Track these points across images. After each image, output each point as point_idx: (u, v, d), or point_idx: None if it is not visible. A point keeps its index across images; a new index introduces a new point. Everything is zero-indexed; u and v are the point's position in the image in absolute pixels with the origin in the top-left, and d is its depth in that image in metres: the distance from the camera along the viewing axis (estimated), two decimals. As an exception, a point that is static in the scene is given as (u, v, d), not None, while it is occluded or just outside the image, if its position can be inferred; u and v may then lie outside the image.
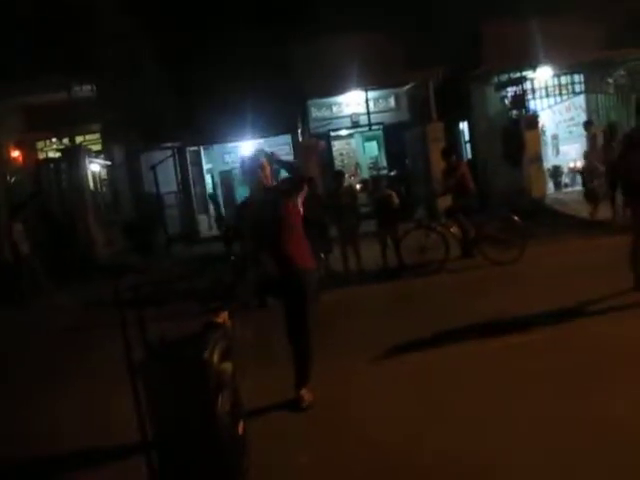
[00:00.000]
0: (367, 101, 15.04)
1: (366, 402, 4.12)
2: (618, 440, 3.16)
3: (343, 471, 3.27)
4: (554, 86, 15.01)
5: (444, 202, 9.20)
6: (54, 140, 15.85)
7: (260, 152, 4.34)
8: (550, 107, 15.39)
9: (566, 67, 14.52)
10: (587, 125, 12.28)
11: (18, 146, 14.71)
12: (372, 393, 4.27)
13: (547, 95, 14.98)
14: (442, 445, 3.35)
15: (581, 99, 15.38)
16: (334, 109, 15.96)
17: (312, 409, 4.03)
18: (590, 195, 10.57)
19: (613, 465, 2.95)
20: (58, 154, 14.63)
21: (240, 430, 3.23)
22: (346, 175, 11.52)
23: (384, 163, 16.67)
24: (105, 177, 15.33)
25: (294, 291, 4.04)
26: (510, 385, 4.06)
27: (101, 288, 9.14)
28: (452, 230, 8.45)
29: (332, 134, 16.02)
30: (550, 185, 14.71)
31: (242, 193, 14.19)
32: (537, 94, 14.81)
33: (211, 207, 16.02)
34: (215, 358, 3.00)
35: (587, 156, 11.47)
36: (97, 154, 14.91)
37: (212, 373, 2.93)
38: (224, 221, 13.35)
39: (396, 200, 8.59)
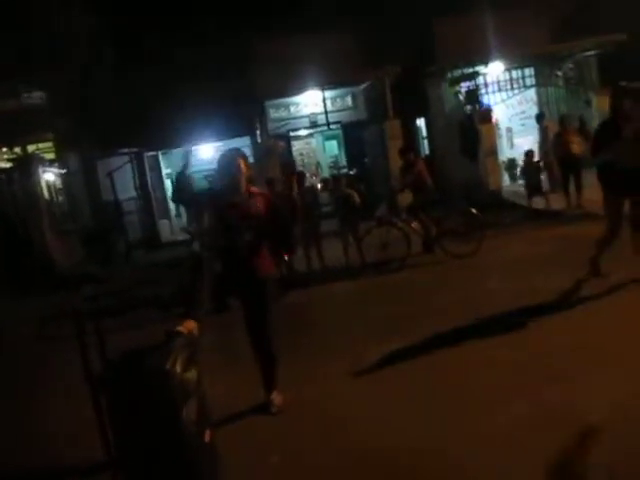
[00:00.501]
0: (324, 100, 15.07)
1: (335, 403, 4.15)
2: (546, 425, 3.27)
3: (314, 471, 3.28)
4: (506, 80, 15.37)
5: (404, 199, 9.32)
6: (5, 150, 15.36)
7: (235, 152, 4.16)
8: (503, 101, 15.73)
9: (517, 61, 14.88)
10: (539, 118, 12.62)
11: (-34, 157, 14.23)
12: (341, 393, 4.31)
13: (500, 89, 15.33)
14: (415, 443, 3.39)
15: (532, 92, 15.80)
16: (292, 109, 15.95)
17: (283, 412, 4.04)
18: (532, 189, 10.82)
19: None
20: (10, 164, 14.17)
21: (207, 438, 3.20)
22: (307, 175, 11.55)
23: (344, 162, 16.75)
24: (60, 186, 14.94)
25: (255, 297, 4.02)
26: (478, 377, 4.15)
27: (59, 299, 8.95)
28: (413, 226, 8.57)
29: (291, 134, 16.00)
30: (506, 177, 15.04)
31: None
32: (490, 89, 15.14)
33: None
34: (178, 367, 2.96)
35: (542, 147, 11.82)
36: (51, 163, 14.50)
37: (176, 383, 2.90)
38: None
39: (356, 198, 8.66)
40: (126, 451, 2.92)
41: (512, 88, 15.48)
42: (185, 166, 13.42)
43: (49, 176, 13.97)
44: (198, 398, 3.16)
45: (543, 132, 12.23)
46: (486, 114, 13.96)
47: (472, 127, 14.01)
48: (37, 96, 14.08)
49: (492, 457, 3.10)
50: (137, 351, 3.12)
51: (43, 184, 13.38)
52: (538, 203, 10.81)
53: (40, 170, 13.25)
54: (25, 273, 11.22)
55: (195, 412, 3.04)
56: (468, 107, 14.45)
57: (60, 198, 14.78)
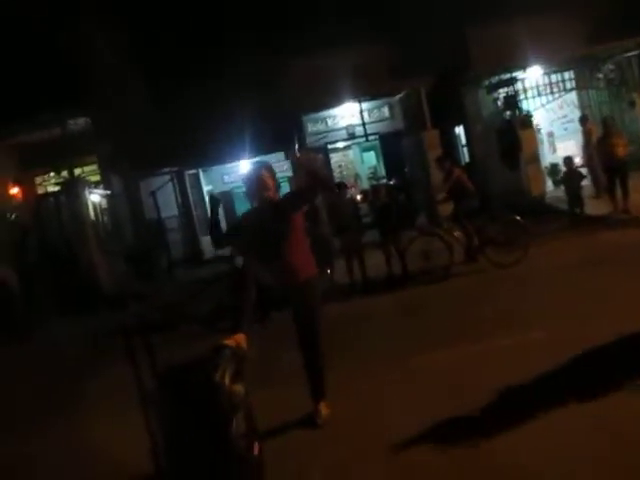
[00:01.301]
0: (361, 112, 15.10)
1: (383, 415, 4.07)
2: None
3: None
4: (545, 85, 15.07)
5: (445, 208, 9.19)
6: (52, 174, 15.92)
7: (260, 165, 4.21)
8: (543, 106, 15.42)
9: (555, 65, 14.58)
10: (582, 120, 12.31)
11: (17, 183, 14.78)
12: (389, 406, 4.22)
13: (539, 94, 15.04)
14: (469, 454, 3.29)
15: (573, 96, 15.42)
16: (329, 122, 16.02)
17: (328, 425, 3.98)
18: (573, 196, 10.49)
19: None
20: (57, 188, 14.67)
21: (256, 451, 3.18)
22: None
23: (383, 172, 16.70)
24: (105, 207, 15.36)
25: (301, 303, 4.01)
26: (526, 384, 4.00)
27: (106, 317, 9.16)
28: (455, 235, 8.42)
29: (329, 147, 16.07)
30: (549, 183, 14.69)
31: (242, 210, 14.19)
32: (529, 93, 14.87)
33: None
34: (227, 380, 2.96)
35: (585, 151, 11.49)
36: (96, 185, 14.94)
37: (224, 396, 2.89)
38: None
39: (395, 208, 8.59)
40: (176, 464, 2.92)
41: (552, 92, 15.16)
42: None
43: (94, 198, 14.38)
44: (246, 410, 3.15)
45: (586, 135, 11.90)
46: (526, 119, 13.69)
47: (512, 133, 13.75)
48: (82, 122, 14.56)
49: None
50: (186, 364, 3.13)
51: (89, 206, 13.77)
52: (582, 209, 10.49)
53: (86, 192, 13.64)
54: (72, 293, 11.52)
55: (244, 425, 3.03)
56: (507, 113, 14.21)
57: (105, 219, 15.19)
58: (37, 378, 7.09)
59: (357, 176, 16.88)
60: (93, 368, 6.99)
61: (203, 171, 17.00)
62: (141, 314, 3.06)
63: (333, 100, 14.51)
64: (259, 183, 4.01)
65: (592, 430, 3.26)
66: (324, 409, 4.05)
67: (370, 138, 15.85)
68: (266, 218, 3.98)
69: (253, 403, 3.32)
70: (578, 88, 15.24)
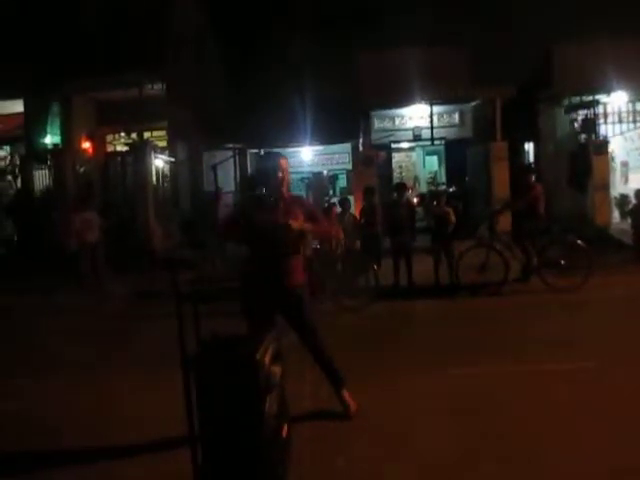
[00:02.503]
0: (431, 115, 14.89)
1: (411, 414, 4.08)
2: None
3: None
4: (628, 112, 14.48)
5: (503, 221, 8.96)
6: (123, 134, 16.43)
7: (277, 155, 4.10)
8: (622, 133, 14.81)
9: (642, 93, 13.99)
10: None
11: (89, 138, 15.34)
12: (419, 406, 4.22)
13: (620, 121, 14.47)
14: (491, 466, 3.25)
15: (656, 127, 14.75)
16: (397, 121, 15.89)
17: (357, 417, 3.99)
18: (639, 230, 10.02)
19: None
20: (126, 148, 15.14)
21: (284, 433, 3.23)
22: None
23: (443, 179, 16.46)
24: (168, 173, 15.75)
25: (288, 307, 3.95)
26: (560, 410, 3.90)
27: (156, 280, 9.42)
28: (515, 252, 8.19)
29: (393, 146, 15.95)
30: (616, 214, 14.13)
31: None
32: (609, 119, 14.32)
33: None
34: (267, 359, 3.01)
35: None
36: (162, 150, 15.33)
37: (262, 374, 2.94)
38: None
39: (453, 217, 8.46)
40: (207, 431, 2.99)
41: (634, 121, 14.55)
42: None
43: (159, 162, 14.77)
44: (280, 392, 3.20)
45: None
46: (602, 145, 13.21)
47: (584, 157, 13.29)
48: (158, 87, 14.94)
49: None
50: (230, 336, 3.19)
51: (153, 169, 14.16)
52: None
53: (152, 156, 14.03)
54: (126, 253, 11.89)
55: (276, 405, 3.08)
56: (583, 136, 13.75)
57: (166, 184, 15.59)
58: (86, 331, 7.40)
59: (416, 179, 16.69)
60: (137, 328, 7.25)
61: (264, 152, 17.17)
62: (193, 281, 3.11)
63: (404, 99, 14.36)
64: (275, 176, 3.86)
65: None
66: (351, 403, 4.03)
67: (435, 142, 15.62)
68: (272, 212, 3.83)
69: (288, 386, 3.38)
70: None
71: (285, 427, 3.23)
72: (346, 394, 4.06)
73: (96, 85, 13.93)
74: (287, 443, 3.25)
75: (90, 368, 5.59)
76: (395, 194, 8.97)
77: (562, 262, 7.88)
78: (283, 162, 3.95)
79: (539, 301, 7.40)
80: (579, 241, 7.90)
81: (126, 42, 13.30)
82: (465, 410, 4.10)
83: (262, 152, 14.02)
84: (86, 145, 15.28)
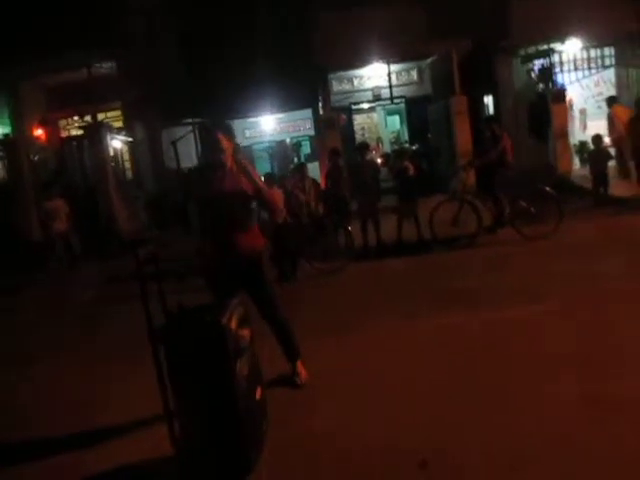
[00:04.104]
0: (389, 74, 14.75)
1: (384, 366, 4.14)
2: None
3: (357, 438, 3.25)
4: (583, 59, 14.56)
5: (470, 175, 9.00)
6: (76, 118, 15.93)
7: (216, 127, 3.85)
8: (578, 81, 14.93)
9: (596, 39, 14.05)
10: (610, 101, 11.94)
11: (41, 125, 14.83)
12: (392, 358, 4.29)
13: (575, 69, 14.54)
14: (454, 416, 3.31)
15: (611, 73, 14.90)
16: (355, 82, 15.71)
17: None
18: (598, 176, 10.19)
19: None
20: (80, 132, 14.70)
21: (258, 395, 3.22)
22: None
23: (406, 137, 16.44)
24: (127, 153, 15.39)
25: (254, 275, 3.87)
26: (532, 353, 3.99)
27: (123, 261, 9.27)
28: (487, 204, 8.25)
29: (353, 107, 15.79)
30: (576, 161, 14.35)
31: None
32: (565, 67, 14.40)
33: None
34: (233, 323, 2.99)
35: (610, 133, 11.19)
36: (119, 131, 14.95)
37: (230, 338, 2.92)
38: None
39: (412, 172, 8.48)
40: (182, 402, 2.97)
41: (589, 68, 14.65)
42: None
43: (116, 144, 14.41)
44: (250, 355, 3.19)
45: (610, 118, 11.61)
46: (559, 94, 13.30)
47: (543, 107, 13.39)
48: (108, 66, 14.46)
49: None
50: (195, 307, 3.15)
51: (111, 151, 13.81)
52: (607, 190, 10.23)
53: (108, 138, 13.66)
54: (93, 236, 11.66)
55: (247, 368, 3.07)
56: (540, 86, 13.82)
57: (126, 165, 15.24)
58: (55, 316, 7.29)
59: (379, 139, 16.64)
60: (109, 307, 7.18)
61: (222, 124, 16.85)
62: (154, 259, 3.06)
63: (361, 60, 14.17)
64: (214, 144, 3.75)
65: (589, 403, 3.25)
66: (302, 371, 4.02)
67: (396, 101, 15.52)
68: (219, 183, 3.75)
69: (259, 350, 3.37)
70: (617, 65, 14.71)
71: (259, 389, 3.22)
72: (299, 365, 4.03)
73: (43, 69, 13.42)
74: (262, 405, 3.25)
75: (61, 354, 5.53)
76: (358, 155, 8.93)
77: (533, 210, 7.95)
78: (217, 134, 3.79)
79: (512, 251, 7.46)
80: (548, 189, 7.98)
81: (70, 21, 12.77)
82: (432, 361, 4.18)
83: (201, 125, 13.72)
84: (39, 132, 14.79)
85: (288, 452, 3.17)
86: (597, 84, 15.21)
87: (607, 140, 11.55)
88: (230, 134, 3.86)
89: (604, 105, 14.34)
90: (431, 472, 2.81)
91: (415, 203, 8.48)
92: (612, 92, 14.08)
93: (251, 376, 3.07)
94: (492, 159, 8.34)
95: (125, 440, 3.58)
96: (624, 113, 11.36)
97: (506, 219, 8.18)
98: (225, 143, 3.76)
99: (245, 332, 3.11)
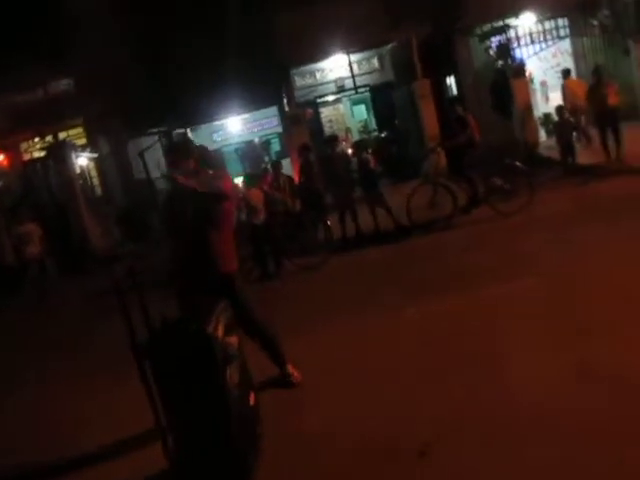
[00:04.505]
0: (350, 64, 14.72)
1: (373, 362, 4.12)
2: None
3: (354, 433, 3.23)
4: (538, 32, 14.69)
5: (440, 158, 9.04)
6: (37, 139, 15.61)
7: (181, 138, 3.92)
8: (536, 54, 15.09)
9: (549, 11, 14.21)
10: (564, 74, 12.16)
11: (2, 150, 14.49)
12: (376, 354, 4.27)
13: (532, 42, 14.67)
14: (455, 397, 3.32)
15: (567, 43, 15.10)
16: (318, 76, 15.65)
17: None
18: (564, 146, 10.33)
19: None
20: (43, 153, 14.40)
21: (252, 401, 3.19)
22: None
23: (374, 125, 16.45)
24: (94, 169, 15.13)
25: (228, 295, 3.67)
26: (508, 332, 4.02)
27: (100, 279, 9.13)
28: (460, 184, 8.28)
29: (319, 101, 15.73)
30: (542, 133, 14.53)
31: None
32: (522, 42, 14.53)
33: None
34: (219, 331, 2.94)
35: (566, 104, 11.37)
36: (83, 148, 14.68)
37: (218, 346, 2.87)
38: None
39: (372, 163, 8.57)
40: (173, 415, 2.91)
41: (545, 40, 14.80)
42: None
43: (82, 161, 14.16)
44: (240, 362, 3.14)
45: (563, 89, 11.86)
46: (519, 69, 13.43)
47: (504, 83, 13.51)
48: (65, 83, 14.19)
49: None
50: (179, 318, 3.09)
51: (77, 169, 13.56)
52: (574, 159, 10.36)
53: (73, 156, 13.42)
54: (66, 256, 11.46)
55: (237, 375, 3.03)
56: (499, 62, 13.93)
57: (94, 181, 14.99)
58: (41, 334, 7.18)
59: (348, 130, 16.61)
60: (90, 325, 7.07)
61: (192, 130, 16.66)
62: (131, 273, 3.00)
63: (321, 53, 14.13)
64: (169, 161, 3.73)
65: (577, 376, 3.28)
66: (294, 371, 3.98)
67: (360, 90, 15.52)
68: (183, 202, 3.65)
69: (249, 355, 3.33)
70: (572, 35, 14.91)
71: (251, 395, 3.19)
72: (290, 368, 3.99)
73: (-4, 90, 13.11)
74: (255, 410, 3.21)
75: (46, 372, 5.43)
76: (328, 148, 8.89)
77: (506, 187, 8.01)
78: (183, 144, 3.89)
79: (487, 228, 7.52)
80: (518, 163, 8.05)
81: (22, 40, 12.49)
82: (419, 347, 4.19)
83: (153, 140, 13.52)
84: (0, 157, 14.46)
85: (285, 454, 3.14)
86: (554, 55, 15.41)
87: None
88: (187, 147, 3.87)
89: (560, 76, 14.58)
90: (431, 459, 2.80)
91: (380, 193, 8.51)
92: (569, 63, 14.30)
93: (242, 383, 3.03)
94: (461, 141, 8.37)
95: (118, 457, 3.53)
96: (577, 85, 11.67)
97: (481, 197, 8.23)
98: (179, 156, 3.71)
99: (233, 339, 3.07)
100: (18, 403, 4.86)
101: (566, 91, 11.77)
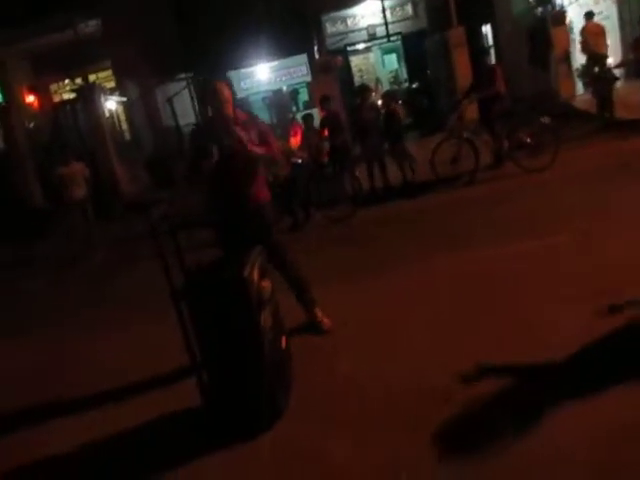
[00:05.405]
0: (383, 10, 14.28)
1: (405, 313, 4.16)
2: None
3: (383, 378, 3.32)
4: (581, -23, 14.00)
5: (471, 110, 8.83)
6: (67, 81, 15.63)
7: (213, 80, 3.91)
8: (577, 1, 14.40)
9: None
10: (587, 16, 11.64)
11: (32, 91, 14.55)
12: (413, 298, 4.34)
13: (574, -13, 14.00)
14: (476, 350, 3.37)
15: (611, -12, 14.36)
16: (349, 22, 15.25)
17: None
18: (602, 98, 9.96)
19: None
20: (73, 95, 14.44)
21: (283, 344, 3.29)
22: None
23: (405, 76, 16.07)
24: (122, 114, 15.16)
25: (259, 226, 3.84)
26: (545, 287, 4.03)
27: (131, 224, 9.30)
28: (484, 139, 8.14)
29: (349, 49, 15.40)
30: (579, 86, 14.03)
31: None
32: (563, -13, 13.87)
33: None
34: (255, 276, 3.01)
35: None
36: (112, 91, 14.67)
37: (253, 290, 2.95)
38: None
39: (400, 116, 8.43)
40: (209, 355, 3.03)
41: (588, -15, 14.09)
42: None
43: (111, 105, 14.17)
44: (273, 306, 3.23)
45: (582, 33, 11.39)
46: (559, 16, 12.87)
47: (543, 32, 12.99)
48: (93, 24, 14.05)
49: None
50: (214, 261, 3.17)
51: (106, 113, 13.60)
52: (612, 114, 10.00)
53: (102, 99, 13.43)
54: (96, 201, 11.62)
55: (271, 319, 3.12)
56: (539, 9, 13.36)
57: (122, 126, 15.04)
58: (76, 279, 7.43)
59: (378, 80, 16.24)
60: (125, 269, 7.27)
61: (220, 77, 16.51)
62: (163, 217, 3.08)
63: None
64: (216, 95, 3.70)
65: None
66: (324, 318, 4.05)
67: (392, 39, 15.10)
68: (220, 134, 3.68)
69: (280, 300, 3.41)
70: (617, -19, 14.16)
71: (283, 339, 3.29)
72: (319, 312, 4.06)
73: (26, 34, 13.06)
74: (287, 353, 3.32)
75: (86, 314, 5.66)
76: (359, 98, 8.74)
77: (529, 141, 7.83)
78: (220, 85, 3.75)
79: (512, 184, 7.39)
80: (544, 118, 7.83)
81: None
82: (450, 299, 4.22)
83: (201, 80, 13.36)
84: (30, 99, 14.53)
85: (315, 396, 3.25)
86: (597, 2, 14.62)
87: (610, 61, 11.27)
88: (229, 87, 3.84)
89: (606, 24, 13.88)
90: (457, 404, 2.88)
91: (403, 146, 8.42)
92: (613, 9, 13.63)
93: (275, 326, 3.13)
94: (489, 94, 8.15)
95: (153, 394, 3.67)
96: (597, 30, 11.20)
97: (504, 153, 8.08)
98: (227, 93, 3.73)
99: (266, 283, 3.14)
100: (68, 345, 5.01)
101: (586, 35, 11.29)
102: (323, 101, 8.88)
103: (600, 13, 14.51)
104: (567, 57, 13.05)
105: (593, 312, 3.44)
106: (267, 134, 3.94)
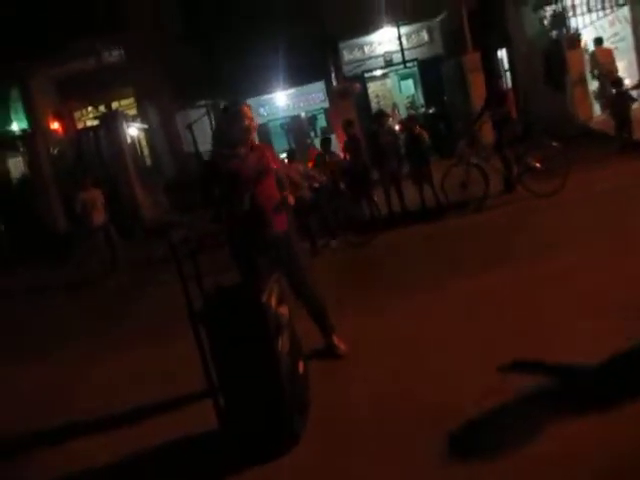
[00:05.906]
0: (399, 37, 14.49)
1: (422, 336, 4.17)
2: None
3: (395, 409, 3.31)
4: (595, 0, 14.08)
5: (486, 134, 8.89)
6: (90, 109, 16.05)
7: (238, 104, 3.93)
8: (592, 23, 14.46)
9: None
10: (596, 42, 11.88)
11: (57, 117, 14.98)
12: (421, 326, 4.33)
13: (589, 10, 14.06)
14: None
15: (625, 11, 14.38)
16: (366, 49, 15.49)
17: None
18: (620, 120, 9.95)
19: None
20: (96, 122, 14.82)
21: (301, 369, 3.33)
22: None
23: (421, 101, 16.22)
24: (143, 140, 15.50)
25: (284, 253, 3.86)
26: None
27: (151, 247, 9.46)
28: (493, 164, 8.14)
29: (366, 76, 15.61)
30: (596, 107, 14.02)
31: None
32: (577, 10, 13.95)
33: None
34: (273, 301, 3.07)
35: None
36: (133, 118, 15.04)
37: (271, 315, 3.01)
38: None
39: (426, 138, 8.44)
40: (226, 379, 3.08)
41: (603, 8, 14.15)
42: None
43: (132, 131, 14.51)
44: (290, 331, 3.28)
45: (591, 57, 11.55)
46: (574, 39, 12.94)
47: (558, 54, 13.06)
48: (116, 54, 14.48)
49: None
50: (233, 285, 3.24)
51: (128, 139, 13.92)
52: (631, 134, 9.97)
53: (124, 126, 13.76)
54: (116, 224, 11.83)
55: (288, 344, 3.17)
56: (554, 32, 13.45)
57: (143, 152, 15.35)
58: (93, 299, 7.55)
59: (395, 105, 16.42)
60: (146, 291, 7.40)
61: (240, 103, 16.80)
62: (183, 241, 3.16)
63: (371, 25, 13.97)
64: (240, 124, 3.69)
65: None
66: (340, 343, 4.07)
67: (408, 65, 15.28)
68: (242, 164, 3.69)
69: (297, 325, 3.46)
70: (632, 2, 14.20)
71: (301, 364, 3.33)
72: (335, 339, 4.07)
73: (51, 61, 13.49)
74: (304, 378, 3.35)
75: (103, 335, 5.78)
76: (376, 124, 8.86)
77: (539, 165, 7.77)
78: (246, 109, 3.78)
79: (522, 209, 7.37)
80: (553, 142, 7.80)
81: (73, 10, 12.77)
82: (465, 322, 4.23)
83: (222, 105, 13.61)
84: (55, 125, 14.96)
85: (331, 421, 3.25)
86: (612, 24, 14.69)
87: (627, 82, 11.27)
88: (251, 110, 3.90)
89: (622, 45, 13.96)
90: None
91: (429, 169, 8.43)
92: (628, 31, 13.67)
93: (292, 351, 3.17)
94: (501, 117, 8.19)
95: (169, 417, 3.70)
96: (605, 54, 11.70)
97: (514, 178, 8.08)
98: (251, 120, 3.77)
99: (284, 310, 3.20)
100: (82, 363, 5.12)
101: (597, 58, 11.43)
102: (346, 125, 9.03)
103: (616, 35, 14.60)
104: (583, 79, 13.08)
105: (614, 329, 3.43)
106: (278, 160, 4.04)
